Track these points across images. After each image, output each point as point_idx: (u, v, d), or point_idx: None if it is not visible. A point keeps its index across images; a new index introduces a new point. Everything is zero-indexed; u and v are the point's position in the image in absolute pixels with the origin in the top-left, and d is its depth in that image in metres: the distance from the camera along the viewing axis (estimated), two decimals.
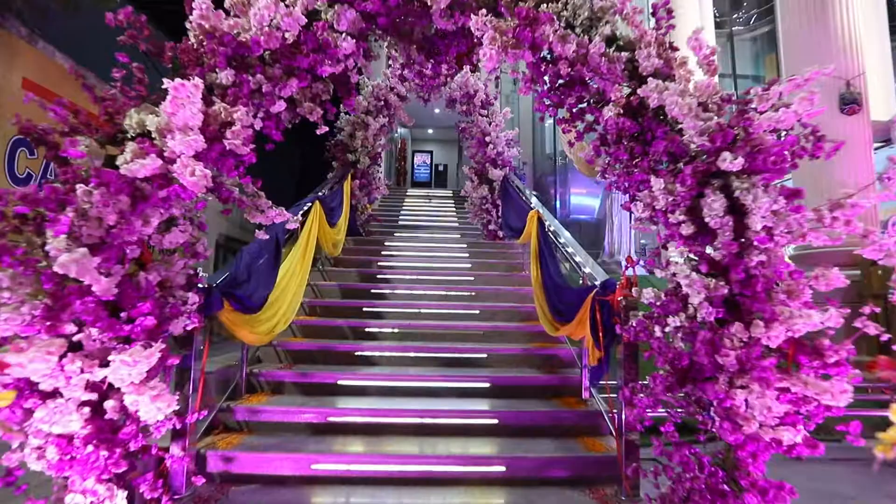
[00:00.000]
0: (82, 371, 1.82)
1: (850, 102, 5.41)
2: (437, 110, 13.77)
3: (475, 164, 7.59)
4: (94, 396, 1.87)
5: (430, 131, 18.04)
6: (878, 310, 2.15)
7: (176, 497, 2.52)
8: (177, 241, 2.38)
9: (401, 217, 9.17)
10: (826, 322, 1.90)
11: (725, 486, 2.11)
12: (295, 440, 3.11)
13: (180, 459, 2.48)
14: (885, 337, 1.92)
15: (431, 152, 17.84)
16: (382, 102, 7.23)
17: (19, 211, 1.87)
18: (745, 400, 2.07)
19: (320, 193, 5.38)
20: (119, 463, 1.93)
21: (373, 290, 5.28)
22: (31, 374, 1.75)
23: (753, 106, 2.23)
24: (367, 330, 4.48)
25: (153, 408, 1.85)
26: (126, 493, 2.09)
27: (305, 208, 4.74)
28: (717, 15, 13.97)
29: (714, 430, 2.19)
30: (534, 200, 5.67)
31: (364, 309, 4.82)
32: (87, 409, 1.89)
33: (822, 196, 2.36)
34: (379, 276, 5.59)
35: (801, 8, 5.84)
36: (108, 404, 1.90)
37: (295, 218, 3.07)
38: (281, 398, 3.53)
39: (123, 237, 2.02)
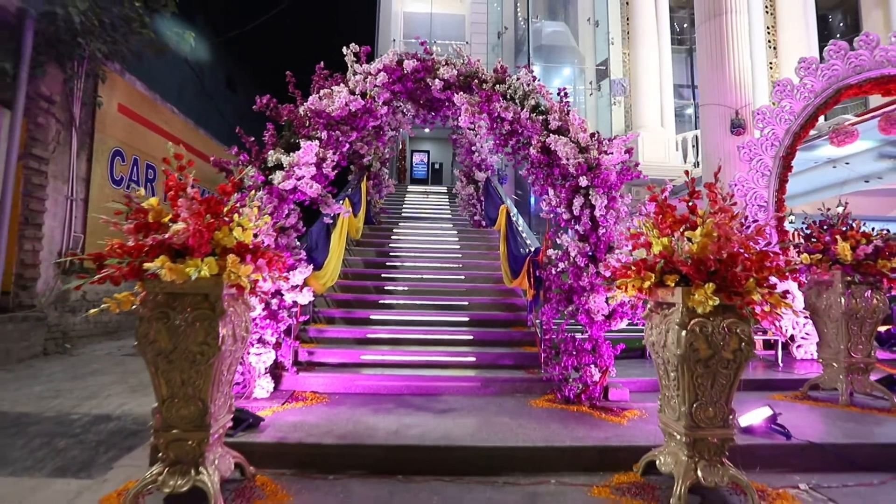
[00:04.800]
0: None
1: (737, 126, 7.38)
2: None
3: (464, 168, 9.54)
4: (267, 296, 3.82)
5: (427, 130, 19.94)
6: None
7: (289, 368, 4.46)
8: (291, 222, 4.33)
9: (403, 210, 11.12)
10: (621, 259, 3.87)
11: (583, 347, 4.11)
12: (348, 345, 5.09)
13: (289, 346, 4.44)
14: None
15: (428, 151, 19.75)
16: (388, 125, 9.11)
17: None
18: (593, 304, 4.06)
19: (348, 192, 7.31)
20: (278, 332, 3.90)
21: (387, 263, 7.24)
22: None
23: (605, 149, 4.20)
24: (385, 288, 6.45)
25: (307, 296, 3.83)
26: (273, 353, 4.07)
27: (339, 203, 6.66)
28: (678, 32, 15.95)
29: (580, 321, 4.18)
30: (508, 201, 7.63)
31: (382, 275, 6.79)
32: (262, 304, 3.85)
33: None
34: (391, 253, 7.56)
35: (707, 54, 7.80)
36: (273, 301, 3.86)
37: (347, 209, 5.02)
38: (334, 325, 5.51)
39: (276, 219, 3.97)
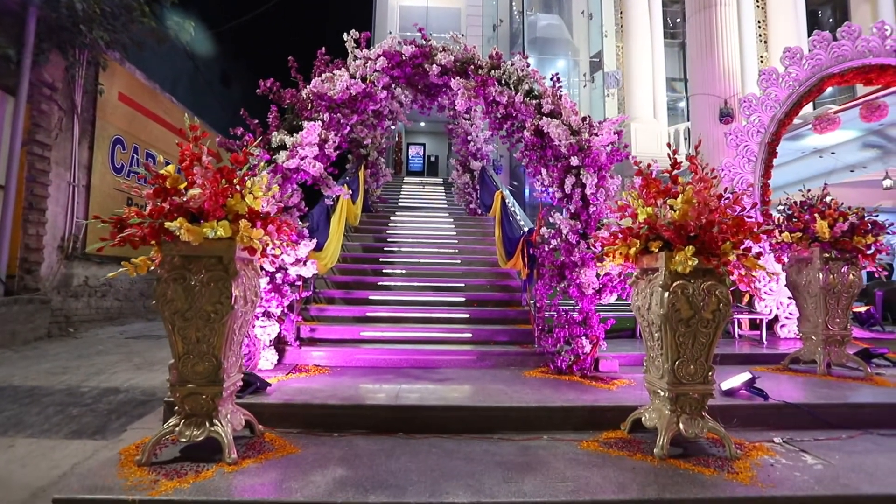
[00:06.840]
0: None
1: (726, 115, 7.59)
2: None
3: (460, 157, 9.71)
4: (273, 269, 3.98)
5: (423, 124, 20.07)
6: None
7: (292, 343, 4.62)
8: (294, 201, 4.47)
9: (400, 200, 11.28)
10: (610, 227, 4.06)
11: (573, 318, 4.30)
12: (348, 323, 5.26)
13: (292, 321, 4.60)
14: None
15: (424, 144, 19.89)
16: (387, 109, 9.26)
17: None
18: (584, 279, 4.25)
19: (346, 180, 7.46)
20: (282, 305, 4.06)
21: (385, 248, 7.41)
22: None
23: (595, 131, 4.38)
24: (384, 271, 6.63)
25: (311, 270, 3.99)
26: (278, 326, 4.23)
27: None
28: (671, 26, 16.15)
29: (571, 295, 4.37)
30: (503, 188, 7.82)
31: (380, 259, 6.96)
32: (268, 278, 4.01)
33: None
34: (389, 239, 7.73)
35: (697, 45, 8.00)
36: (278, 276, 4.02)
37: (348, 190, 5.18)
38: (335, 305, 5.67)
39: (279, 197, 4.12)
